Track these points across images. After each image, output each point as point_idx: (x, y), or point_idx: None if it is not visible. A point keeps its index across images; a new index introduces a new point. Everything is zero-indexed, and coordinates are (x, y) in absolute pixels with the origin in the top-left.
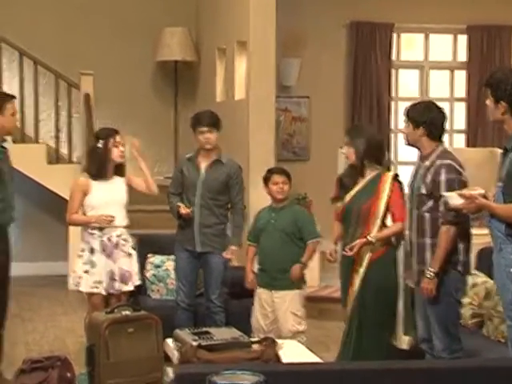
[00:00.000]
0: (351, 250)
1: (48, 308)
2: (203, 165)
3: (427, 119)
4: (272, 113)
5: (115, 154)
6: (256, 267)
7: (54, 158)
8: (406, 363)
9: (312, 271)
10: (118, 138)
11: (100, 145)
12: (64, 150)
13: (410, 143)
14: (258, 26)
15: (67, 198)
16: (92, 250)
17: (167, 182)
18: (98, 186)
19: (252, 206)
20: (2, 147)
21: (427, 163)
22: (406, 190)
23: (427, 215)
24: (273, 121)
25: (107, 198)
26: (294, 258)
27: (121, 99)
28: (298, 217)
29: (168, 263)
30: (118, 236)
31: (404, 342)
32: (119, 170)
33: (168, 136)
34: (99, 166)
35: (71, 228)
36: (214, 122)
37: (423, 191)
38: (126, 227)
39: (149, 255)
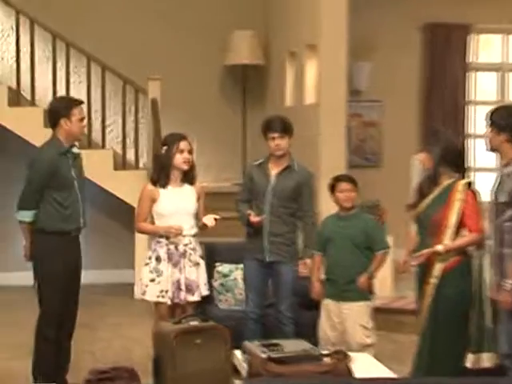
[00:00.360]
0: (418, 259)
1: (115, 317)
2: (274, 171)
3: (511, 124)
4: (343, 118)
5: (178, 160)
6: (323, 277)
7: (121, 164)
8: (486, 380)
9: (384, 281)
10: (182, 145)
11: (164, 151)
12: (131, 156)
13: (491, 148)
14: (329, 28)
15: (134, 204)
16: (158, 259)
17: (235, 189)
18: (166, 194)
19: (323, 214)
20: (72, 153)
21: (507, 170)
22: (485, 198)
23: (507, 224)
24: (344, 126)
25: (176, 206)
26: (362, 268)
27: (188, 104)
28: (366, 226)
29: (236, 272)
30: (185, 245)
31: (485, 358)
32: (188, 178)
33: (236, 141)
34: (161, 173)
35: (137, 235)
36: (286, 128)
37: (502, 199)
38: (194, 236)
39: (217, 264)
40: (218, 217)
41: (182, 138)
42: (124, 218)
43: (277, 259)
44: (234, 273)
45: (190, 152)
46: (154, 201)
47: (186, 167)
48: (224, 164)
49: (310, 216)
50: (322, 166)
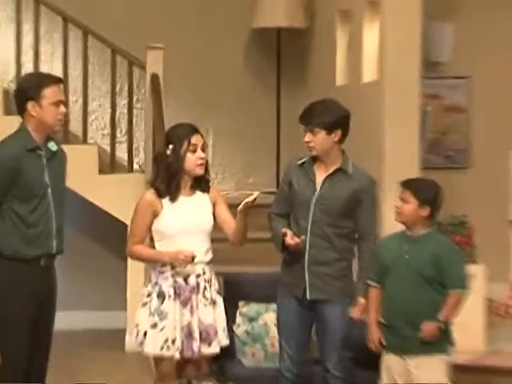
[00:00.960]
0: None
1: (100, 376)
2: (320, 176)
3: None
4: (416, 101)
5: (191, 162)
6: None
7: (108, 164)
8: None
9: (472, 329)
10: (194, 139)
11: (169, 151)
12: (122, 154)
13: None
14: None
15: (126, 221)
16: (161, 296)
17: (267, 199)
18: (171, 207)
19: (387, 234)
20: (48, 150)
21: None
22: None
23: None
24: (417, 112)
25: (186, 222)
26: (432, 310)
27: (201, 83)
28: (441, 253)
29: (267, 315)
30: (197, 276)
31: None
32: (200, 183)
33: (267, 133)
34: (169, 181)
35: (131, 263)
36: (317, 118)
37: None
38: (209, 263)
39: (240, 303)
40: (256, 194)
41: (194, 130)
42: (113, 239)
43: (322, 297)
44: (263, 315)
45: (204, 149)
46: (155, 215)
47: (201, 171)
48: (251, 165)
49: (371, 239)
50: (387, 168)
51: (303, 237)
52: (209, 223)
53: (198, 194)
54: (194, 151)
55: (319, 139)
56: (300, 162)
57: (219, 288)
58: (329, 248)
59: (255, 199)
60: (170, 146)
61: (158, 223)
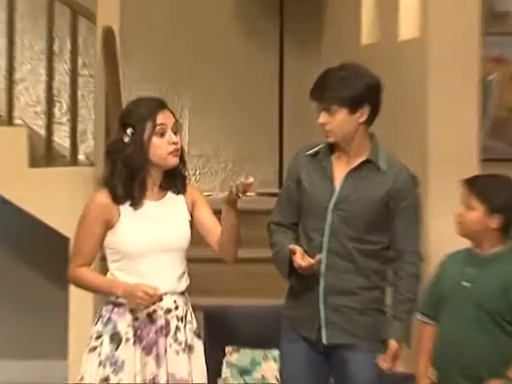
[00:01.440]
0: None
1: None
2: (340, 171)
3: None
4: (474, 66)
5: (160, 150)
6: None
7: (43, 154)
8: None
9: None
10: (161, 118)
11: (127, 137)
12: (62, 140)
13: None
14: None
15: (69, 234)
16: (116, 338)
17: (266, 204)
18: (133, 215)
19: (434, 251)
20: None
21: None
22: None
23: None
24: (475, 82)
25: (152, 237)
26: (497, 359)
27: (174, 41)
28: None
29: (266, 365)
30: (167, 311)
31: None
32: (173, 181)
33: (265, 112)
34: (129, 180)
35: (75, 293)
36: (335, 90)
37: None
38: (183, 293)
39: (227, 349)
40: (251, 179)
41: (160, 105)
42: (49, 259)
43: (343, 341)
44: (260, 366)
45: (176, 131)
46: (109, 226)
47: (174, 161)
48: (242, 156)
49: (411, 259)
50: (432, 160)
51: (319, 256)
52: (184, 238)
53: (170, 196)
54: (162, 134)
55: (338, 120)
56: (312, 151)
57: (198, 328)
58: (352, 271)
59: (251, 184)
60: (129, 130)
61: (114, 238)
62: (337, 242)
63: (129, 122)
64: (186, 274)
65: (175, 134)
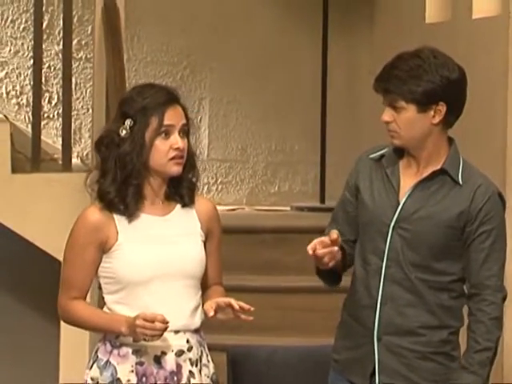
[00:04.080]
0: None
1: None
2: (407, 181)
3: None
4: None
5: (160, 154)
6: None
7: (29, 157)
8: None
9: None
10: (170, 115)
11: (124, 131)
12: (51, 140)
13: None
14: None
15: (60, 257)
16: None
17: (306, 221)
18: (132, 234)
19: None
20: None
21: None
22: None
23: None
24: None
25: (157, 261)
26: None
27: (191, 20)
28: None
29: None
30: (179, 354)
31: None
32: (179, 190)
33: (305, 109)
34: (121, 182)
35: (66, 330)
36: (397, 80)
37: None
38: (197, 331)
39: None
40: (245, 305)
41: (171, 98)
42: (37, 287)
43: None
44: None
45: (184, 133)
46: (103, 249)
47: (175, 170)
48: (275, 161)
49: (493, 300)
50: None
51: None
52: (198, 262)
53: (178, 210)
54: (167, 135)
55: (405, 119)
56: (376, 154)
57: (216, 374)
58: (415, 306)
59: (250, 309)
60: (127, 122)
61: (111, 264)
62: (398, 268)
63: (129, 112)
64: (201, 308)
65: (182, 137)
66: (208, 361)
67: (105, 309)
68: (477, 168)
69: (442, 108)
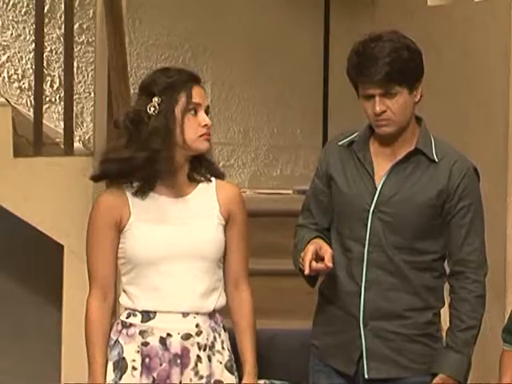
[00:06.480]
0: None
1: None
2: (382, 165)
3: None
4: None
5: (193, 129)
6: None
7: (31, 141)
8: None
9: None
10: (198, 94)
11: (153, 108)
12: (53, 124)
13: None
14: None
15: (62, 241)
16: (122, 366)
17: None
18: (144, 212)
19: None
20: None
21: None
22: None
23: None
24: None
25: (166, 240)
26: None
27: (194, 3)
28: None
29: None
30: (186, 337)
31: None
32: (199, 170)
33: (307, 92)
34: (147, 160)
35: (67, 315)
36: (399, 70)
37: None
38: (210, 316)
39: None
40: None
41: (195, 79)
42: (41, 273)
43: (390, 375)
44: None
45: (208, 112)
46: (119, 229)
47: (205, 145)
48: (277, 145)
49: (476, 277)
50: None
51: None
52: (211, 243)
53: (198, 191)
54: (196, 111)
55: (400, 104)
56: (345, 140)
57: (232, 361)
58: (400, 289)
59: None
60: (155, 99)
61: (123, 244)
62: (380, 252)
63: (155, 91)
64: (220, 291)
65: (207, 111)
66: (223, 347)
67: (121, 290)
68: (448, 143)
69: (420, 85)
